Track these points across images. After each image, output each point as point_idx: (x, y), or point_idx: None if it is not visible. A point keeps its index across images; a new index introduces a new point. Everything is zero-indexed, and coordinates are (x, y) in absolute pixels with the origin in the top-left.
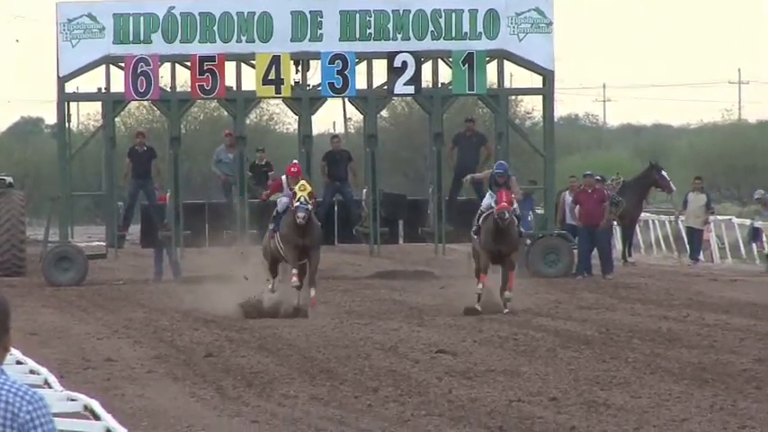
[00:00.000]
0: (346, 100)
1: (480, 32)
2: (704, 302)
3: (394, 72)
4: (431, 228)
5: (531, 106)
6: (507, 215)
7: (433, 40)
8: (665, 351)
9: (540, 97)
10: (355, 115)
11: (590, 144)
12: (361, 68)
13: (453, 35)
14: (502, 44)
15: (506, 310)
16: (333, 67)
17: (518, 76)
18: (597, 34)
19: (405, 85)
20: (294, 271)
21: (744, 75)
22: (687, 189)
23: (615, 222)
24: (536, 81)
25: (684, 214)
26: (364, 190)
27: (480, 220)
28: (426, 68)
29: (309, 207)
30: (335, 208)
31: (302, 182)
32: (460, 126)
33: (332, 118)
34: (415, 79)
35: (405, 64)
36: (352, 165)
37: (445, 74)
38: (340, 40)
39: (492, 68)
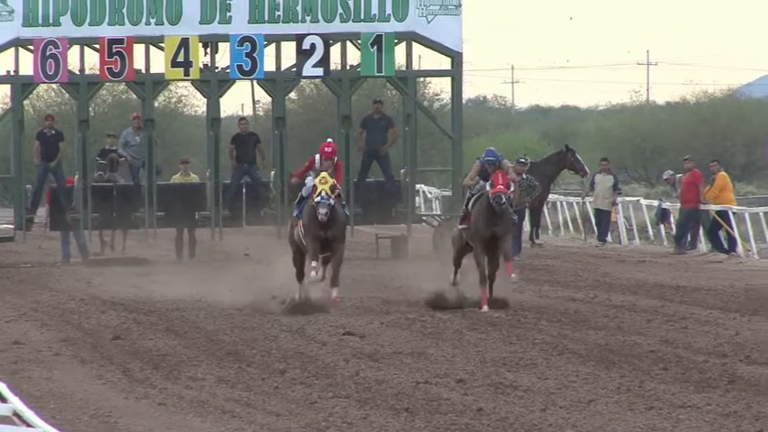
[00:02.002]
0: (255, 82)
1: (389, 14)
2: (612, 284)
3: (302, 54)
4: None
5: (440, 88)
6: (504, 199)
7: (341, 22)
8: (573, 332)
9: (449, 79)
10: (264, 98)
11: (498, 126)
12: (270, 51)
13: (362, 17)
14: (410, 26)
15: (514, 281)
16: (241, 49)
17: (426, 58)
18: (505, 16)
19: (313, 67)
20: (314, 263)
21: (652, 56)
22: (594, 171)
23: (526, 205)
24: (444, 63)
25: (592, 196)
26: (272, 172)
27: (470, 205)
28: (335, 51)
29: (332, 202)
30: (244, 190)
31: (323, 174)
32: (369, 108)
33: (240, 100)
34: (324, 61)
35: (313, 46)
36: (261, 147)
37: (354, 56)
38: (249, 22)
39: (400, 50)
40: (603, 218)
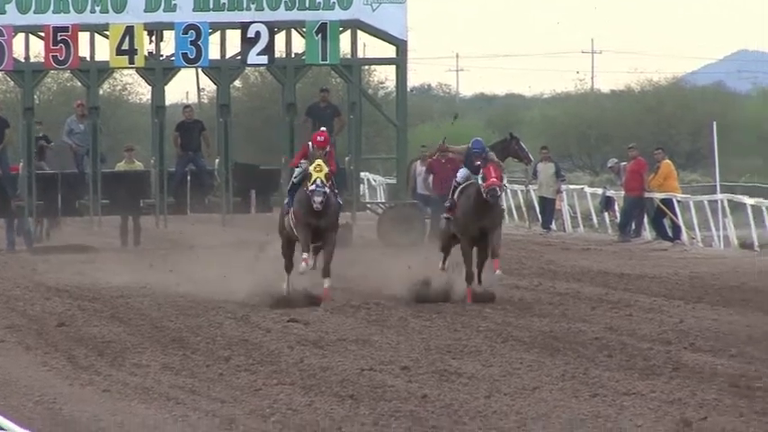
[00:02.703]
0: (199, 70)
1: (334, 2)
2: (556, 271)
3: (247, 42)
4: (283, 198)
5: (385, 76)
6: (499, 192)
7: (286, 10)
8: (517, 320)
9: (394, 67)
10: (208, 85)
11: (443, 114)
12: (215, 39)
13: (307, 5)
14: (355, 14)
15: (499, 277)
16: (186, 37)
17: (371, 46)
18: (450, 4)
19: (258, 55)
20: (305, 255)
21: (596, 44)
22: (537, 159)
23: None
24: (389, 51)
25: (535, 184)
26: (217, 160)
27: (456, 195)
28: (280, 39)
29: (327, 190)
30: (188, 178)
31: (318, 161)
32: (314, 96)
33: (185, 88)
34: (269, 49)
35: (258, 34)
36: (205, 135)
37: (298, 44)
38: (194, 10)
39: (345, 38)
40: (547, 206)
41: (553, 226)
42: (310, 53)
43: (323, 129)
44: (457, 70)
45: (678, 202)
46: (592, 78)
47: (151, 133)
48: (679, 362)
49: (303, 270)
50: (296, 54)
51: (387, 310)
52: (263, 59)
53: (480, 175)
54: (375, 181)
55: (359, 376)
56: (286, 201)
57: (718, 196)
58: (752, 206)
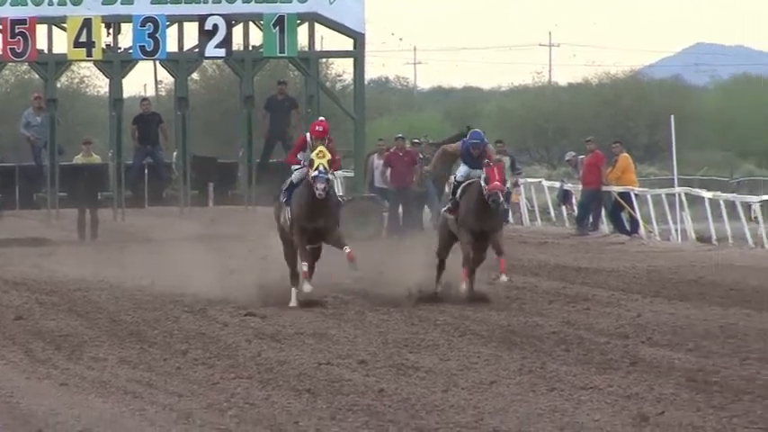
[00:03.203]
0: (157, 63)
1: None
2: (513, 265)
3: (205, 35)
4: (241, 191)
5: (342, 69)
6: (502, 198)
7: (244, 2)
8: (474, 314)
9: (351, 60)
10: (166, 78)
11: (400, 107)
12: (173, 31)
13: None
14: (313, 7)
15: (504, 281)
16: (144, 29)
17: (329, 39)
18: None
19: (216, 47)
20: (304, 268)
21: (554, 37)
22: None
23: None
24: (347, 44)
25: None
26: (174, 153)
27: (458, 194)
28: (237, 31)
29: (330, 177)
30: (146, 171)
31: (320, 148)
32: (271, 89)
33: (143, 81)
34: (226, 42)
35: (216, 27)
36: (163, 127)
37: (256, 37)
38: (151, 3)
39: (303, 31)
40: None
41: (510, 219)
42: (268, 46)
43: (321, 118)
44: (415, 63)
45: (636, 195)
46: (549, 71)
47: (109, 126)
48: (636, 356)
49: (308, 290)
50: (253, 47)
51: (344, 304)
52: (221, 52)
53: (483, 176)
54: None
55: (316, 370)
56: (283, 198)
57: (676, 190)
58: (709, 199)
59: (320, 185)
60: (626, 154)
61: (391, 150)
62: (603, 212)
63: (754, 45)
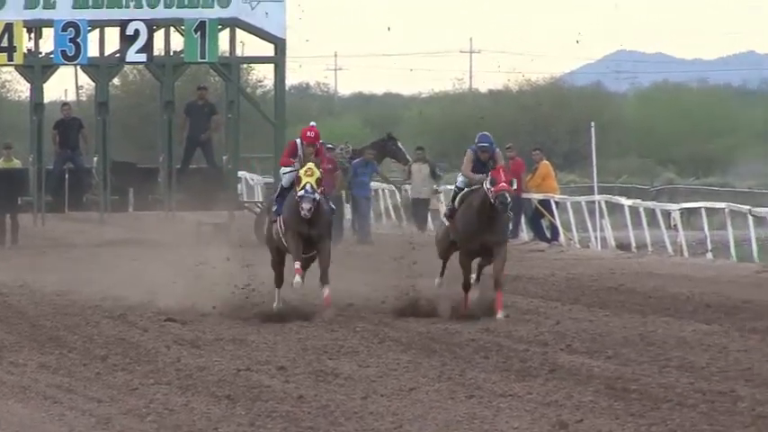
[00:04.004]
0: (78, 68)
1: (213, 1)
2: (434, 272)
3: (126, 40)
4: (161, 196)
5: (263, 75)
6: (509, 199)
7: (165, 8)
8: (393, 321)
9: (272, 66)
10: (87, 83)
11: (321, 112)
12: (94, 36)
13: (186, 3)
14: (234, 12)
15: (500, 316)
16: (65, 34)
17: (250, 45)
18: (330, 3)
19: (137, 53)
20: (297, 265)
21: (475, 44)
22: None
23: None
24: (268, 49)
25: (410, 184)
26: (95, 158)
27: (457, 201)
28: (159, 36)
29: (317, 197)
30: (66, 176)
31: (309, 165)
32: (193, 94)
33: (64, 85)
34: (147, 47)
35: (137, 32)
36: (84, 132)
37: (177, 42)
38: (73, 7)
39: (224, 36)
40: (422, 206)
41: (431, 226)
42: (189, 51)
43: (312, 123)
44: (335, 69)
45: (556, 202)
46: (470, 78)
47: (29, 131)
48: (555, 363)
49: (297, 284)
50: (175, 52)
51: (264, 310)
52: (142, 57)
53: (489, 179)
54: (253, 180)
55: (235, 376)
56: (274, 208)
57: (596, 197)
58: (629, 207)
59: (306, 206)
60: (546, 161)
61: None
62: (523, 220)
63: (674, 53)
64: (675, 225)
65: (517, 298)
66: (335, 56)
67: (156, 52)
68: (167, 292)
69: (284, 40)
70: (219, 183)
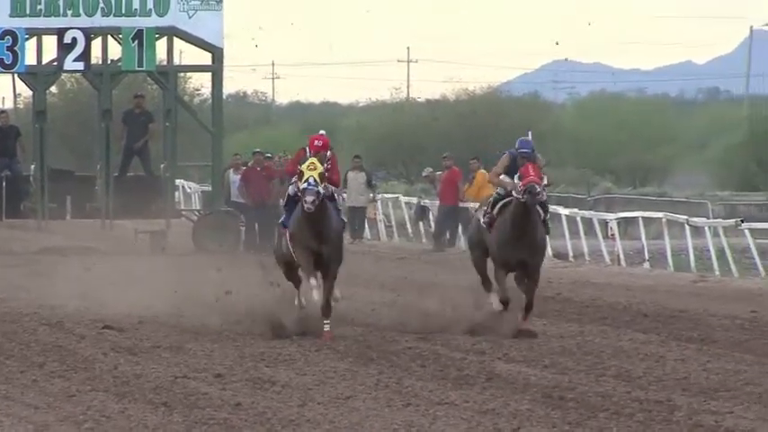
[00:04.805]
0: (16, 76)
1: (150, 9)
2: (371, 280)
3: (64, 48)
4: (99, 204)
5: (200, 83)
6: (538, 189)
7: (103, 16)
8: (331, 329)
9: (210, 74)
10: (25, 91)
11: (258, 121)
12: (31, 44)
13: (123, 12)
14: (172, 21)
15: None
16: (3, 42)
17: (188, 53)
18: (268, 12)
19: (74, 61)
20: (313, 282)
21: (413, 54)
22: (347, 168)
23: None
24: (206, 58)
25: (347, 192)
26: (32, 166)
27: (496, 209)
28: (96, 45)
29: (320, 190)
30: (3, 183)
31: (312, 160)
32: (130, 102)
33: (1, 94)
34: (85, 55)
35: (75, 40)
36: (21, 140)
37: (115, 50)
38: (10, 15)
39: (162, 45)
40: (357, 215)
41: (367, 235)
42: (126, 60)
43: (321, 132)
44: (273, 78)
45: None
46: (407, 87)
47: None
48: (492, 372)
49: (316, 300)
50: (112, 60)
51: (201, 319)
52: (80, 65)
53: (517, 176)
54: (190, 188)
55: (172, 384)
56: (281, 219)
57: None
58: (566, 216)
59: (309, 198)
60: (483, 171)
61: (249, 165)
62: (460, 229)
63: (611, 63)
64: (613, 234)
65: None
66: (273, 65)
67: (93, 60)
68: (107, 300)
69: (222, 48)
70: (156, 191)
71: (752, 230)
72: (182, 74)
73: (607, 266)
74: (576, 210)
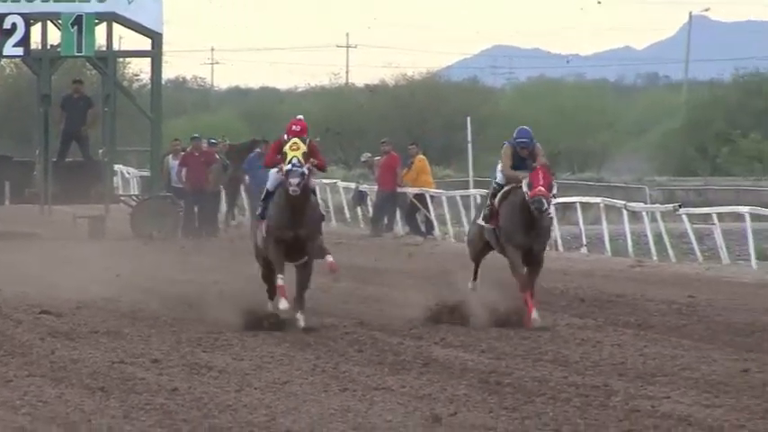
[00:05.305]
0: None
1: None
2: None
3: (3, 34)
4: (37, 189)
5: (140, 68)
6: (546, 205)
7: (42, 2)
8: (266, 314)
9: (149, 59)
10: None
11: (197, 106)
12: None
13: None
14: (111, 6)
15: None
16: None
17: (128, 39)
18: None
19: (14, 46)
20: (280, 281)
21: (352, 39)
22: None
23: (222, 186)
24: (145, 43)
25: None
26: None
27: (497, 200)
28: (36, 30)
29: (305, 170)
30: None
31: (294, 140)
32: (69, 87)
33: None
34: (24, 41)
35: (14, 26)
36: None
37: (55, 36)
38: None
39: (102, 30)
40: None
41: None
42: (66, 45)
43: (299, 117)
44: (212, 63)
45: (431, 197)
46: (347, 72)
47: None
48: (429, 357)
49: (284, 308)
50: (52, 46)
51: (139, 303)
52: (19, 51)
53: (526, 180)
54: (129, 173)
55: (110, 369)
56: (258, 212)
57: (471, 191)
58: None
59: (294, 180)
60: (422, 156)
61: (187, 151)
62: (399, 214)
63: (549, 48)
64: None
65: (392, 291)
66: (212, 50)
67: (33, 46)
68: (45, 285)
69: (161, 34)
70: (95, 176)
71: (690, 215)
72: (121, 59)
73: (546, 251)
74: None
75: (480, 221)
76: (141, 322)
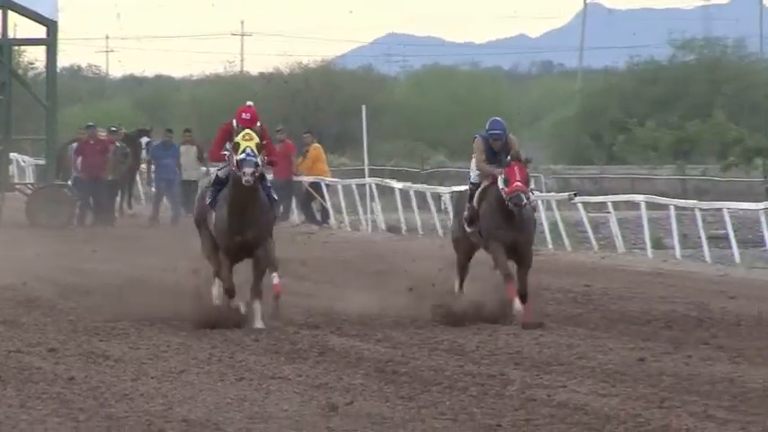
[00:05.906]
0: None
1: None
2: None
3: None
4: None
5: (35, 57)
6: (524, 200)
7: None
8: (162, 302)
9: (44, 47)
10: None
11: (92, 95)
12: None
13: None
14: None
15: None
16: None
17: (23, 27)
18: None
19: None
20: (225, 273)
21: (246, 27)
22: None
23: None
24: (40, 31)
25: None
26: None
27: (476, 200)
28: None
29: (259, 161)
30: None
31: (247, 130)
32: None
33: None
34: None
35: None
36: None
37: None
38: None
39: None
40: (190, 189)
41: None
42: None
43: (249, 103)
44: (107, 51)
45: (327, 185)
46: (241, 61)
47: None
48: (326, 346)
49: (234, 306)
50: None
51: (35, 292)
52: None
53: (502, 177)
54: (24, 162)
55: (6, 358)
56: (207, 200)
57: (367, 180)
58: (399, 190)
59: (248, 170)
60: (317, 144)
61: (82, 139)
62: (294, 202)
63: (444, 35)
64: (446, 208)
65: (288, 280)
66: (107, 38)
67: None
68: None
69: (56, 22)
70: None
71: (585, 204)
72: (16, 47)
73: (439, 240)
74: (409, 183)
75: (466, 227)
76: (37, 310)
